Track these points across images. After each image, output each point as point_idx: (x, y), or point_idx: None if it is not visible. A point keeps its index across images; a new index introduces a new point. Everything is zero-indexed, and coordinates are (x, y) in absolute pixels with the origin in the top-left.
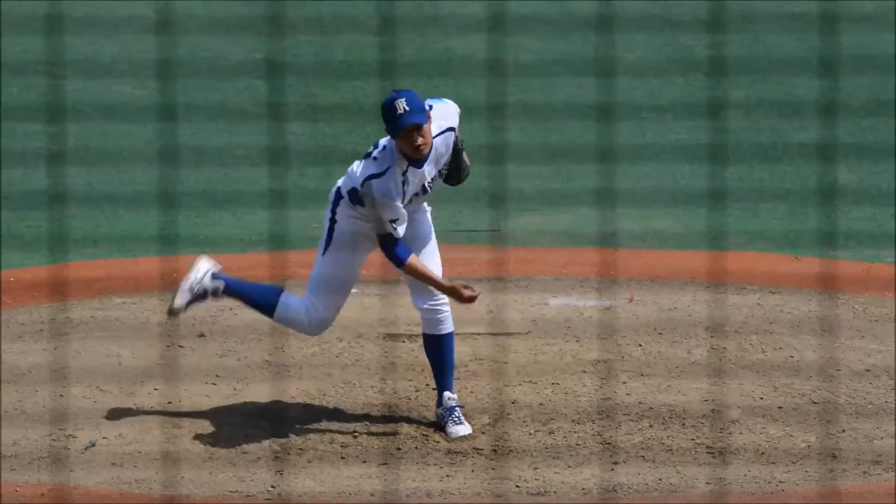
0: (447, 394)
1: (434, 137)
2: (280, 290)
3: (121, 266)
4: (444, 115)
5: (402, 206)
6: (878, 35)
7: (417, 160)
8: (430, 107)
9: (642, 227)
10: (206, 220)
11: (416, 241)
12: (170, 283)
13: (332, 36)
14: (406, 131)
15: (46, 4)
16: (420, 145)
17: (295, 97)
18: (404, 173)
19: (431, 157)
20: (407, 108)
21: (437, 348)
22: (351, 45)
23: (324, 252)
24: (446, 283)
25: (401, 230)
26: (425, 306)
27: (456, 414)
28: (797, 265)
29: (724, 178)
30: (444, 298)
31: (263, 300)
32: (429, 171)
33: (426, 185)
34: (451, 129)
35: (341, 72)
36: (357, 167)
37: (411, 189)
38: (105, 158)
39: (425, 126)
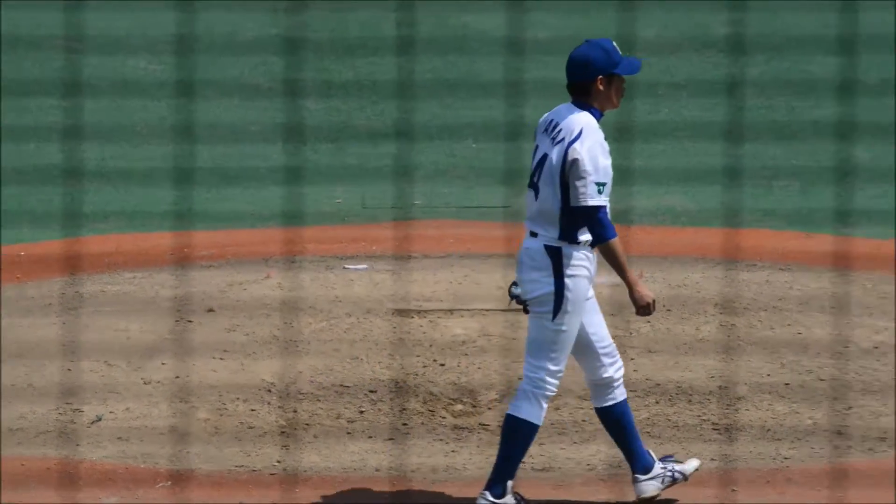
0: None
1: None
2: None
3: (132, 241)
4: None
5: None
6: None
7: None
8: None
9: (655, 204)
10: (219, 195)
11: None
12: (180, 259)
13: (347, 11)
14: (628, 74)
15: None
16: (623, 95)
17: (310, 73)
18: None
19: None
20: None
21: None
22: (367, 20)
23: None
24: (635, 277)
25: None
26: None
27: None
28: (808, 242)
29: (738, 155)
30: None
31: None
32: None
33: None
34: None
35: (357, 48)
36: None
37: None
38: (119, 134)
39: None
